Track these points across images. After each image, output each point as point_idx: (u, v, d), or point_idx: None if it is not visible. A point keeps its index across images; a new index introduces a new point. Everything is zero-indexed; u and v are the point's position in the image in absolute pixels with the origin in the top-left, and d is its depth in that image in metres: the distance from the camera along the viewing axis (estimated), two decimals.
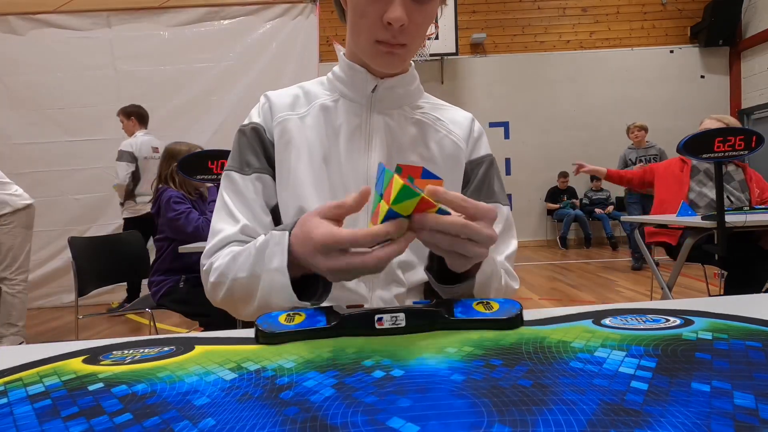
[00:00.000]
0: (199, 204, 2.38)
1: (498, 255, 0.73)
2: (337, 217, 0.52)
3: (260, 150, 0.75)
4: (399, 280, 0.72)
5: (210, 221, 0.75)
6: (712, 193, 2.56)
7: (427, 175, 0.77)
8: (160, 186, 2.35)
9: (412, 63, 0.78)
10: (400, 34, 0.65)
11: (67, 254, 4.07)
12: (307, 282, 0.58)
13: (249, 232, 0.70)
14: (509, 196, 7.24)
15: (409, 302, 0.73)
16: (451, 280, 0.59)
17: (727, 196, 2.51)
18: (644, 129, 4.81)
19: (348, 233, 0.48)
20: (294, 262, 0.55)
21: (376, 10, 0.64)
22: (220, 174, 2.04)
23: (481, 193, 0.79)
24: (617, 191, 7.07)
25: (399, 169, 0.76)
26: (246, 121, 0.77)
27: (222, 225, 0.71)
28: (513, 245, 0.78)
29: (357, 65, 0.74)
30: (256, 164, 0.74)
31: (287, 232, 0.57)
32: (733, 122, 2.54)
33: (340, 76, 0.77)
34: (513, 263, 0.77)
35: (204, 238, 2.17)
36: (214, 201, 2.45)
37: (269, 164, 0.75)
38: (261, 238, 0.61)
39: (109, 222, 4.30)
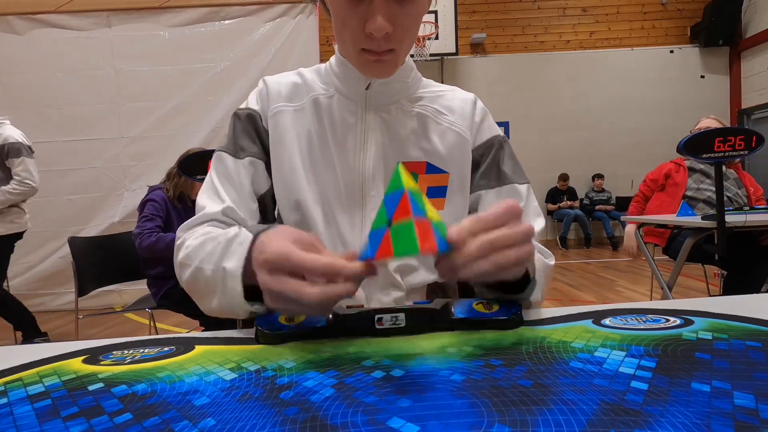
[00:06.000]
0: (185, 212, 2.30)
1: None
2: (312, 250, 0.45)
3: (255, 136, 0.73)
4: (397, 284, 0.70)
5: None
6: (709, 190, 2.63)
7: (432, 170, 0.73)
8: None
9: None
10: (385, 41, 0.60)
11: (60, 255, 4.10)
12: None
13: (231, 214, 0.67)
14: None
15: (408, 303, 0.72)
16: (509, 287, 0.54)
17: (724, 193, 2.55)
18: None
19: (301, 255, 0.42)
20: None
21: (357, 17, 0.59)
22: None
23: (490, 178, 0.75)
24: (618, 191, 7.06)
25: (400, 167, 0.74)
26: (243, 105, 0.75)
27: (206, 202, 0.68)
28: (539, 223, 0.72)
29: (349, 63, 0.70)
30: (251, 149, 0.71)
31: (253, 236, 0.51)
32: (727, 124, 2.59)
33: (335, 70, 0.74)
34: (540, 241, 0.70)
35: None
36: None
37: (264, 151, 0.72)
38: (233, 230, 0.56)
39: (101, 223, 4.26)
